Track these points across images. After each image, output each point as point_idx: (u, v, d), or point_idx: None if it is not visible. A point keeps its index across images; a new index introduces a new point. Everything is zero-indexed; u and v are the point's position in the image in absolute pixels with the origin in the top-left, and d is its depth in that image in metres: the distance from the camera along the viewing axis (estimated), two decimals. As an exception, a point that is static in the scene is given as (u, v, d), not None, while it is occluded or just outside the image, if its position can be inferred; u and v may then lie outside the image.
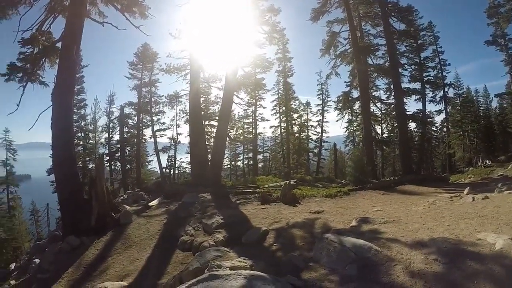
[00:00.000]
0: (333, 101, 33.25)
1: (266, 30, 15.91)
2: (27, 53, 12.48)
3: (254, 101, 35.26)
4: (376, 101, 26.82)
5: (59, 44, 11.98)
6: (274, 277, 3.50)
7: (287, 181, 11.91)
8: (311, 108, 38.09)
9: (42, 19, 12.30)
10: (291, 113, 36.92)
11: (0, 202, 26.79)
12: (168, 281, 5.02)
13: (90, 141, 30.88)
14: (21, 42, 12.20)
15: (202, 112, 22.13)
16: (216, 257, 4.93)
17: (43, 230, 30.24)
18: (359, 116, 28.71)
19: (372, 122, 24.69)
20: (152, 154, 32.97)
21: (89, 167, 28.85)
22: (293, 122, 37.51)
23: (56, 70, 11.63)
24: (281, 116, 37.04)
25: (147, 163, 33.71)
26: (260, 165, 39.56)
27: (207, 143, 23.38)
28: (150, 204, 11.90)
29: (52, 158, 12.49)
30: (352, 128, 35.38)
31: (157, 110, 31.86)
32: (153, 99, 31.57)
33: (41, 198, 33.29)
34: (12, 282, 10.12)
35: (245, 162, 39.04)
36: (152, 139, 31.32)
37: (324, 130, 37.37)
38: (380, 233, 5.59)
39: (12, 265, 14.97)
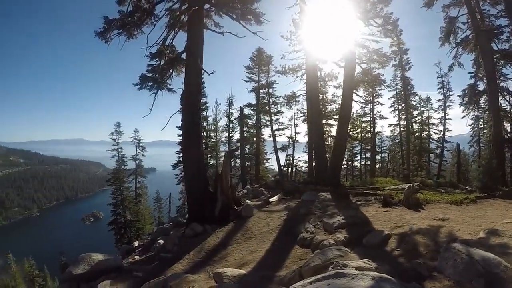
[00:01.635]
0: (458, 96, 28.84)
1: (379, 23, 15.13)
2: (155, 65, 13.93)
3: (371, 98, 33.69)
4: (505, 93, 22.75)
5: (184, 55, 13.25)
6: (401, 282, 3.43)
7: (411, 184, 11.45)
8: (431, 104, 33.88)
9: (164, 36, 13.66)
10: (411, 110, 33.76)
11: (129, 190, 30.90)
12: (287, 274, 5.15)
13: (212, 139, 32.90)
14: (149, 56, 13.67)
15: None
16: (337, 256, 4.97)
17: (164, 216, 34.04)
18: (486, 112, 25.46)
19: (502, 118, 21.46)
20: (270, 153, 33.73)
21: (210, 163, 31.30)
22: (413, 120, 34.32)
23: (182, 78, 13.20)
24: (400, 114, 34.59)
25: (265, 161, 34.54)
26: (377, 166, 37.48)
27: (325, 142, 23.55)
28: (270, 200, 12.35)
29: (183, 154, 14.02)
30: (477, 126, 30.75)
31: (275, 110, 32.63)
32: (271, 100, 32.47)
33: (164, 188, 37.54)
34: (136, 257, 11.51)
35: (362, 163, 37.43)
36: (271, 138, 32.37)
37: (447, 128, 32.99)
38: (510, 248, 5.08)
39: (136, 243, 17.02)
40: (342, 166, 26.82)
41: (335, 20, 15.25)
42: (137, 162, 31.67)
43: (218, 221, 10.69)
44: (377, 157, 37.65)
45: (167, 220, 28.80)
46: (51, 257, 50.60)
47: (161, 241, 11.38)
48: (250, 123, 33.41)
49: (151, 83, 13.76)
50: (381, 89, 32.85)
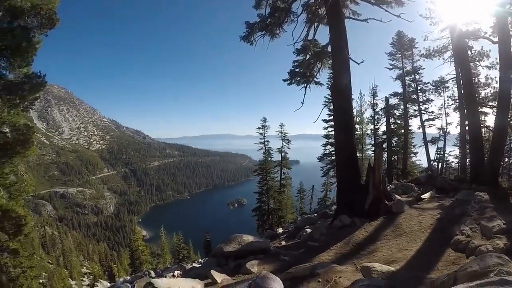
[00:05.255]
0: None
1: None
2: (300, 60, 14.35)
3: (531, 77, 27.69)
4: None
5: (329, 48, 13.25)
6: None
7: None
8: None
9: (306, 31, 13.82)
10: None
11: (274, 180, 32.24)
12: (440, 278, 4.87)
13: (357, 132, 31.06)
14: (295, 52, 14.09)
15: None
16: (497, 264, 4.45)
17: (306, 206, 34.90)
18: None
19: None
20: (419, 146, 30.88)
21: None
22: None
23: (328, 70, 13.12)
24: None
25: (412, 155, 31.89)
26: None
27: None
28: (422, 196, 11.67)
29: (335, 146, 14.07)
30: None
31: (424, 98, 29.52)
32: (418, 87, 29.57)
33: (306, 180, 38.83)
34: (283, 242, 12.11)
35: (521, 159, 30.52)
36: (419, 130, 29.70)
37: None
38: None
39: (280, 229, 17.86)
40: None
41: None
42: (282, 154, 32.60)
43: (367, 215, 10.50)
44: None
45: (308, 211, 29.41)
46: (196, 234, 58.26)
47: (308, 230, 11.86)
48: (397, 114, 30.91)
49: (299, 78, 14.21)
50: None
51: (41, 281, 26.57)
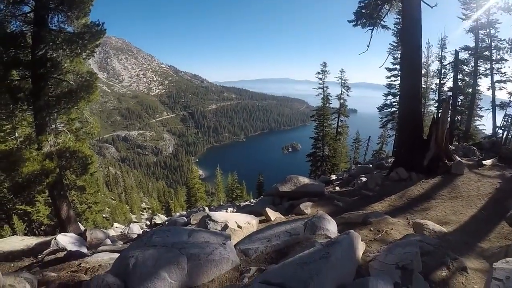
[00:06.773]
0: None
1: None
2: (366, 1, 13.08)
3: None
4: None
5: None
6: None
7: None
8: None
9: None
10: None
11: (331, 127, 31.90)
12: (491, 248, 4.85)
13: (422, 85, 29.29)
14: None
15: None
16: None
17: (360, 157, 34.36)
18: None
19: None
20: (486, 109, 27.64)
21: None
22: None
23: (395, 15, 11.81)
24: None
25: (477, 118, 28.74)
26: None
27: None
28: (484, 162, 10.96)
29: (400, 94, 13.28)
30: None
31: (498, 57, 25.89)
32: (492, 44, 25.84)
33: (363, 130, 37.84)
34: (337, 188, 12.26)
35: None
36: (488, 91, 26.61)
37: None
38: None
39: (333, 176, 18.00)
40: None
41: None
42: (341, 101, 32.00)
43: (425, 171, 10.12)
44: None
45: (362, 162, 28.91)
46: (250, 175, 60.54)
47: (363, 179, 11.86)
48: (466, 70, 27.64)
49: (365, 20, 13.27)
50: None
51: (104, 215, 29.57)
